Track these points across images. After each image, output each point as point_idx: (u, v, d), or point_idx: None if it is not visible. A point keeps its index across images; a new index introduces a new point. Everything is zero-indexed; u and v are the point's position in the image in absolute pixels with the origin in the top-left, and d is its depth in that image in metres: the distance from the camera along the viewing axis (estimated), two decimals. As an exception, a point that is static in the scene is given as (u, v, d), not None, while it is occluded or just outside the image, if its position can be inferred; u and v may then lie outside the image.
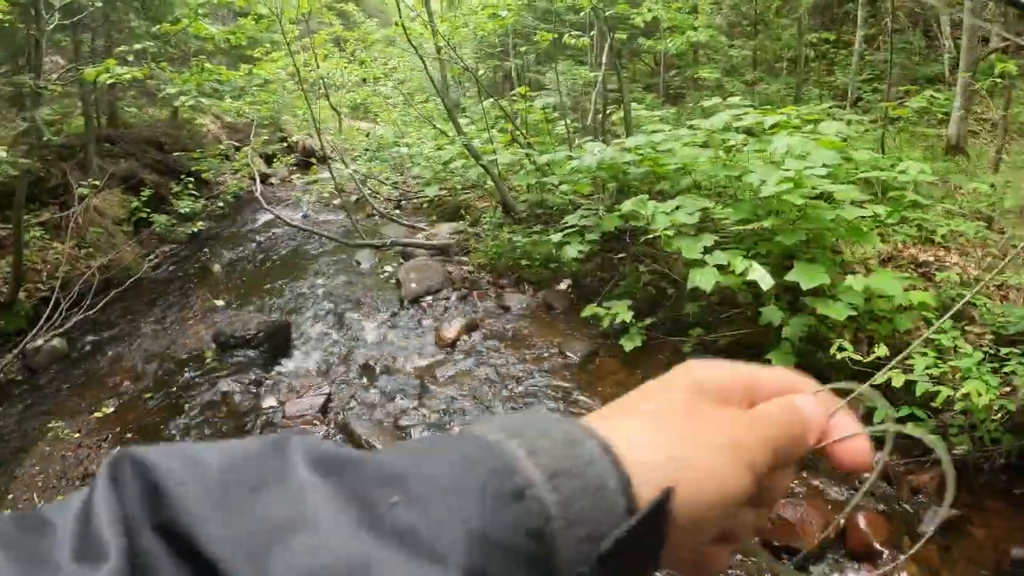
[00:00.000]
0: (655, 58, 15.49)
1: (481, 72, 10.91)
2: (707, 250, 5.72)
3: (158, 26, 11.84)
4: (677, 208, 6.11)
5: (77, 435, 6.73)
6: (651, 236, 6.40)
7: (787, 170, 5.50)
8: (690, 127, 7.12)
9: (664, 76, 14.74)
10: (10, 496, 6.02)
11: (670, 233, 5.97)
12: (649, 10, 10.23)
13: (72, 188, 11.57)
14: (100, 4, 12.01)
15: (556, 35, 10.37)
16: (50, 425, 6.89)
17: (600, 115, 9.67)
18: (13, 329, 9.48)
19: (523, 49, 14.15)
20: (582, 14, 13.52)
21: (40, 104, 10.73)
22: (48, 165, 11.88)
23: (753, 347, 6.06)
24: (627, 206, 6.38)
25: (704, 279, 5.44)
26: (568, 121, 10.13)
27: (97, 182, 11.71)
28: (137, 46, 10.37)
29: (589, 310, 6.74)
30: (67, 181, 12.09)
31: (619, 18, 10.26)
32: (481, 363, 6.85)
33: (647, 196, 6.58)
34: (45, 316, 9.25)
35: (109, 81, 9.62)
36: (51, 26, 10.53)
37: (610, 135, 9.53)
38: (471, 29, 11.19)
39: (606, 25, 9.27)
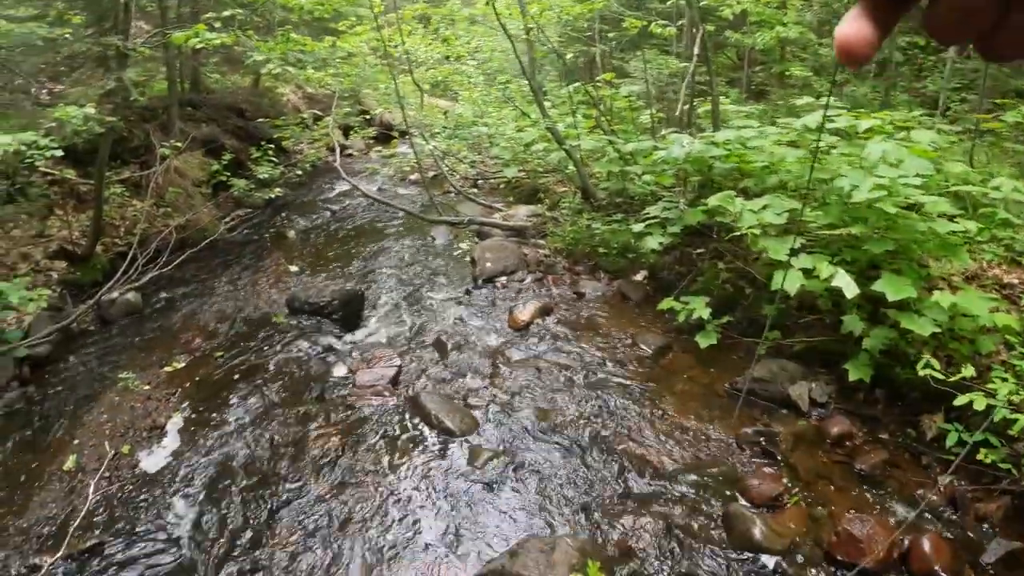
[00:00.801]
0: (738, 52, 15.27)
1: (569, 56, 10.83)
2: (793, 252, 5.66)
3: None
4: (764, 207, 6.06)
5: (147, 387, 7.01)
6: (735, 234, 6.35)
7: (880, 177, 5.41)
8: (779, 125, 7.03)
9: (748, 71, 14.54)
10: (75, 442, 6.28)
11: (756, 232, 5.92)
12: (739, 2, 10.08)
13: (154, 148, 11.85)
14: None
15: (644, 23, 10.28)
16: (121, 376, 7.16)
17: (687, 107, 9.58)
18: (89, 281, 9.86)
19: (610, 35, 14.05)
20: (669, 2, 13.38)
21: (127, 66, 10.98)
22: (131, 125, 12.20)
23: (830, 355, 6.02)
24: (713, 201, 6.34)
25: (789, 282, 5.38)
26: (653, 111, 10.05)
27: (179, 144, 12.00)
28: (226, 13, 10.49)
29: (666, 303, 6.73)
30: (149, 142, 12.41)
31: (707, 10, 10.14)
32: (553, 348, 6.89)
33: (733, 193, 6.52)
34: (122, 270, 9.57)
35: (199, 46, 9.80)
36: None
37: (695, 128, 9.45)
38: (556, 12, 11.15)
39: (698, 15, 9.17)
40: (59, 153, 7.64)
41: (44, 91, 13.91)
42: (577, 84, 10.27)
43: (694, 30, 9.98)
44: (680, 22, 11.95)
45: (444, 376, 6.58)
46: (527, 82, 10.59)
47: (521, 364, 6.66)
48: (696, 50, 9.19)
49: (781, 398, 5.80)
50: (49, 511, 5.40)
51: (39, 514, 5.38)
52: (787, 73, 12.67)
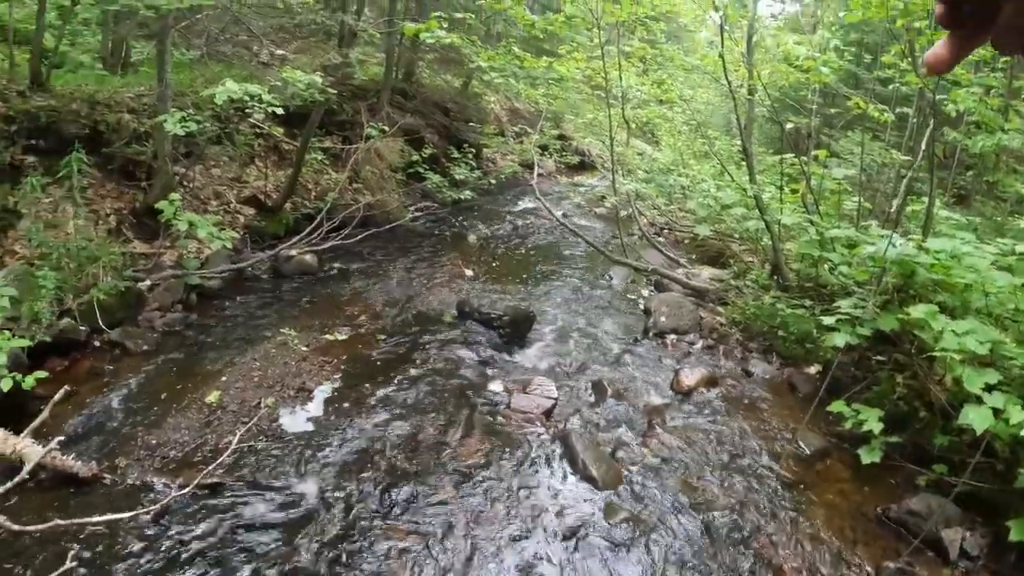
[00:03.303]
0: (945, 150, 14.56)
1: (788, 126, 10.57)
2: (989, 388, 5.28)
3: (479, 1, 12.29)
4: (968, 332, 5.67)
5: (305, 348, 7.13)
6: (928, 353, 5.99)
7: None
8: (997, 245, 6.59)
9: (953, 172, 13.82)
10: (223, 378, 6.46)
11: (956, 357, 5.56)
12: (966, 102, 9.55)
13: (360, 126, 12.24)
14: None
15: (866, 104, 9.90)
16: (282, 331, 7.36)
17: (901, 202, 9.17)
18: (271, 233, 10.36)
19: (831, 110, 13.64)
20: (891, 86, 12.87)
21: (354, 45, 11.42)
22: (343, 100, 12.66)
23: (994, 505, 5.56)
24: (915, 313, 5.96)
25: (979, 419, 4.98)
26: (861, 199, 9.67)
27: (385, 128, 12.33)
28: (458, 15, 10.76)
29: (837, 406, 6.38)
30: (357, 119, 12.83)
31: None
32: (712, 422, 6.62)
33: (937, 308, 6.15)
34: (306, 232, 9.95)
35: (429, 40, 10.09)
36: None
37: (901, 227, 9.03)
38: (776, 77, 10.91)
39: (931, 109, 8.75)
40: (279, 111, 7.97)
41: (265, 52, 14.65)
42: (790, 156, 9.98)
43: (916, 120, 9.54)
44: (899, 109, 11.46)
45: (598, 421, 6.40)
46: (733, 139, 10.38)
47: (677, 430, 6.41)
48: (923, 146, 8.78)
49: (931, 539, 5.40)
50: (181, 436, 5.55)
51: (171, 436, 5.54)
52: (1000, 184, 11.96)
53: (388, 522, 4.75)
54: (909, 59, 8.41)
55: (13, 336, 5.55)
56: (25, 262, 7.19)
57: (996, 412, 5.03)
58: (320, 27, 13.69)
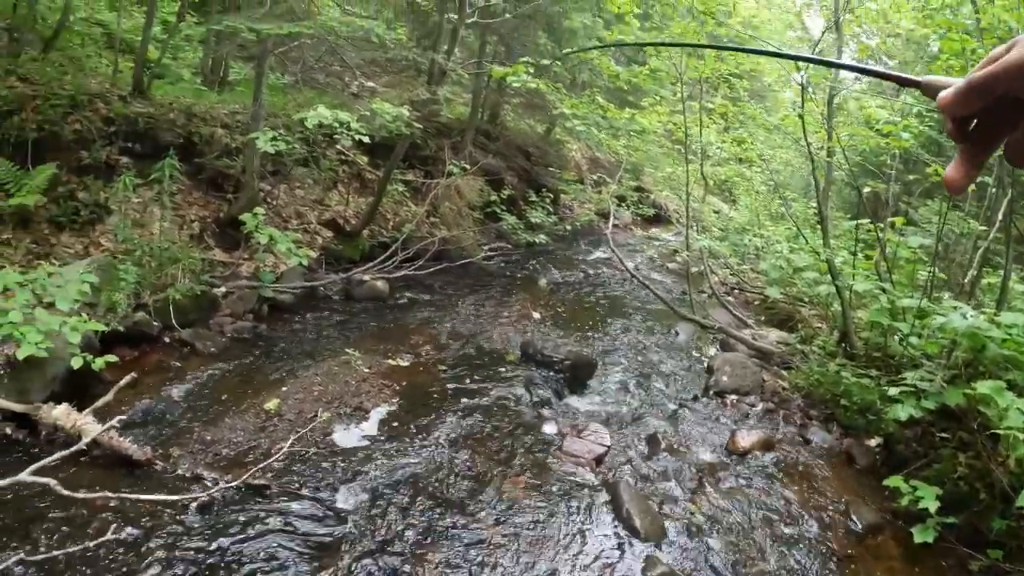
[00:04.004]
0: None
1: (866, 190, 10.42)
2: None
3: (564, 50, 12.47)
4: (1036, 411, 5.51)
5: (367, 370, 7.24)
6: (992, 431, 5.84)
7: None
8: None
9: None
10: (283, 388, 6.62)
11: (1021, 436, 5.40)
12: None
13: (443, 163, 12.49)
14: (512, 17, 12.90)
15: (941, 170, 9.71)
16: (347, 351, 7.49)
17: (976, 274, 8.96)
18: (347, 257, 10.66)
19: (911, 177, 13.41)
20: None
21: (443, 83, 11.67)
22: (427, 136, 12.94)
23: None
24: (982, 389, 5.80)
25: (1041, 505, 4.86)
26: (935, 269, 9.48)
27: (467, 166, 12.55)
28: (545, 61, 10.92)
29: (894, 481, 6.21)
30: (440, 156, 13.08)
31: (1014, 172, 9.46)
32: (764, 487, 6.50)
33: (1004, 385, 5.98)
34: (381, 259, 10.23)
35: (515, 84, 10.27)
36: (470, 20, 11.44)
37: (975, 299, 8.81)
38: (856, 140, 10.79)
39: (1009, 179, 8.56)
40: (365, 140, 8.22)
41: (356, 84, 15.04)
42: (866, 221, 9.85)
43: (995, 190, 9.32)
44: (980, 178, 11.19)
45: (648, 474, 6.32)
46: (810, 202, 10.27)
47: (727, 491, 6.29)
48: (999, 216, 8.60)
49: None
50: (236, 436, 5.71)
51: (226, 435, 5.70)
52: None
53: (422, 549, 4.76)
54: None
55: (89, 320, 5.84)
56: (109, 255, 7.56)
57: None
58: (411, 63, 14.05)
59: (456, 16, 10.76)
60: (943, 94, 0.77)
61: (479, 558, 4.80)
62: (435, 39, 14.01)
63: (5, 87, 7.91)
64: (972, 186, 8.08)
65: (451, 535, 4.96)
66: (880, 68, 0.97)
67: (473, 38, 15.76)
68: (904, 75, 0.89)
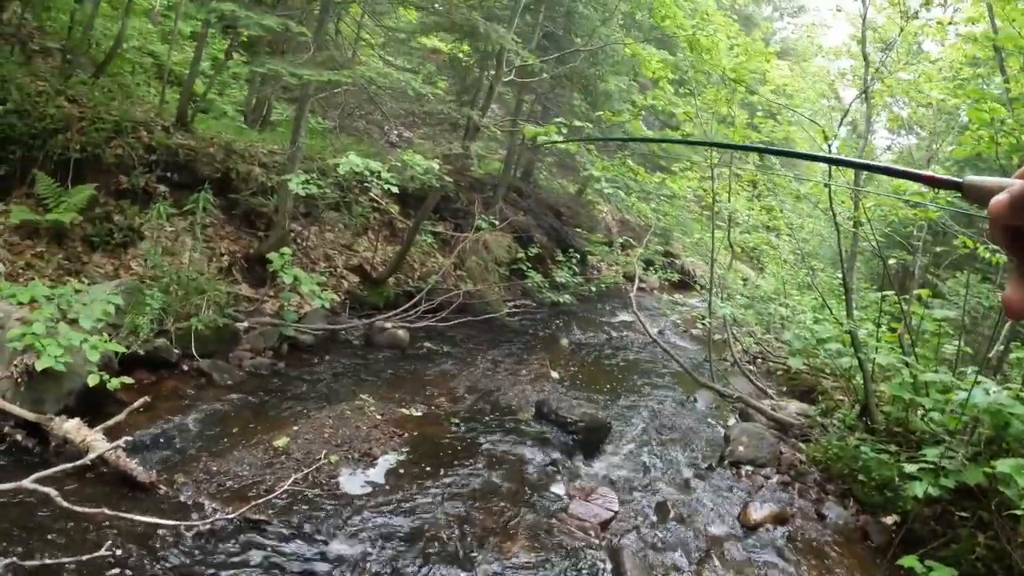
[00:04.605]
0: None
1: (891, 262, 10.34)
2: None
3: (599, 112, 12.59)
4: (1055, 491, 5.38)
5: (379, 416, 7.23)
6: (1013, 511, 5.70)
7: None
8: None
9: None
10: (294, 427, 6.62)
11: (1039, 517, 5.26)
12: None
13: (473, 216, 12.57)
14: (549, 77, 13.08)
15: (974, 245, 9.61)
16: (361, 396, 7.52)
17: (1003, 348, 8.82)
18: (371, 303, 10.73)
19: (939, 248, 13.32)
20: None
21: (476, 138, 11.81)
22: (459, 189, 13.08)
23: None
24: (1003, 468, 5.69)
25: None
26: (961, 343, 9.34)
27: (496, 222, 12.61)
28: (577, 123, 11.02)
29: (909, 561, 6.05)
30: (470, 210, 13.18)
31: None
32: (775, 563, 6.32)
33: (1024, 463, 5.84)
34: (404, 307, 10.27)
35: (546, 144, 10.39)
36: (507, 78, 11.61)
37: (1001, 375, 8.66)
38: (884, 211, 10.74)
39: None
40: (395, 189, 8.29)
41: (394, 133, 15.27)
42: (891, 293, 9.76)
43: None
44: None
45: (655, 542, 6.17)
46: (836, 272, 10.20)
47: (735, 563, 6.11)
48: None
49: None
50: (242, 469, 5.71)
51: (232, 467, 5.71)
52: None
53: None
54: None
55: (111, 340, 5.98)
56: (138, 279, 7.73)
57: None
58: (447, 117, 14.23)
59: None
60: (997, 200, 0.66)
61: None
62: (474, 94, 14.25)
63: (54, 106, 8.19)
64: (1002, 257, 7.98)
65: (443, 593, 4.92)
66: (912, 170, 0.83)
67: (510, 96, 15.99)
68: (940, 176, 0.78)
